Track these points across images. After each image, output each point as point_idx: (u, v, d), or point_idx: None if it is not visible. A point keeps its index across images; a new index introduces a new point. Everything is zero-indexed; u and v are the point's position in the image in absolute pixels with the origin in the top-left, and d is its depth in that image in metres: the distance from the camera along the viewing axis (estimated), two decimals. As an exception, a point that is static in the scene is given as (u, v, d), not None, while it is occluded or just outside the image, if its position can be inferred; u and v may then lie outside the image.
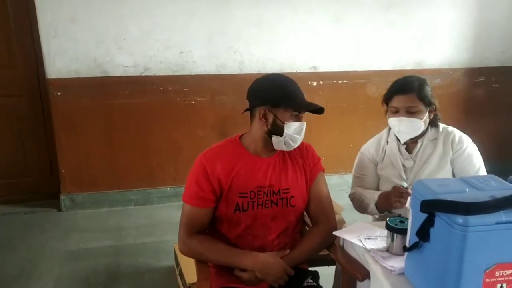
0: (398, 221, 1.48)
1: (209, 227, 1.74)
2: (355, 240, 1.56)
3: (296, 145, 1.70)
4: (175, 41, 3.58)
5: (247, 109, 1.72)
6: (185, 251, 1.69)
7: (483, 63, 4.23)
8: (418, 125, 1.95)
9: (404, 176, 2.02)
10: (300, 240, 1.77)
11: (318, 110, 1.67)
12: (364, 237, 1.58)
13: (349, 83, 4.00)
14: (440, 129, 2.04)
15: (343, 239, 1.67)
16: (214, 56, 3.68)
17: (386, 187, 2.04)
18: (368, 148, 2.15)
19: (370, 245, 1.52)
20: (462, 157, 1.99)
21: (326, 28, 3.82)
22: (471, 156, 1.99)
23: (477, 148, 2.02)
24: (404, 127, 1.96)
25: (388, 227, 1.47)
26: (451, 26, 4.06)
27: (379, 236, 1.58)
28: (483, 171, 1.99)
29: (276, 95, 1.63)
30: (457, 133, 2.03)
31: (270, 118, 1.64)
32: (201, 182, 1.64)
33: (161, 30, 3.54)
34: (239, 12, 3.63)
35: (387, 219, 1.49)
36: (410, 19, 3.95)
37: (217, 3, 3.57)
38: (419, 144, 2.03)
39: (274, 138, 1.66)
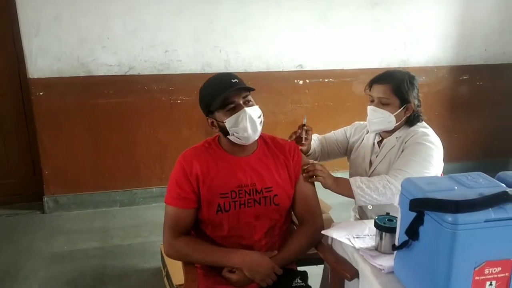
0: (387, 219, 1.47)
1: (195, 230, 1.72)
2: (344, 239, 1.56)
3: (251, 133, 1.62)
4: (160, 40, 3.55)
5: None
6: (171, 253, 1.67)
7: (467, 61, 4.27)
8: (387, 118, 1.90)
9: (368, 173, 2.02)
10: (287, 240, 1.76)
11: (249, 88, 1.63)
12: (353, 236, 1.57)
13: (335, 82, 4.00)
14: (413, 130, 1.93)
15: (332, 238, 1.66)
16: (200, 54, 3.65)
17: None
18: (357, 126, 2.20)
19: (359, 244, 1.52)
20: (402, 153, 1.89)
21: (311, 26, 3.81)
22: (407, 155, 1.84)
23: (432, 158, 1.82)
24: (372, 117, 1.94)
25: (377, 225, 1.46)
26: (436, 24, 4.10)
27: (368, 235, 1.57)
28: (401, 174, 1.76)
29: (203, 104, 1.68)
30: (418, 134, 1.88)
31: (215, 123, 1.67)
32: (181, 183, 1.63)
33: (146, 28, 3.50)
34: (225, 11, 3.60)
35: (376, 217, 1.49)
36: (395, 17, 3.98)
37: (203, 1, 3.54)
38: (384, 140, 2.00)
39: (230, 138, 1.65)
